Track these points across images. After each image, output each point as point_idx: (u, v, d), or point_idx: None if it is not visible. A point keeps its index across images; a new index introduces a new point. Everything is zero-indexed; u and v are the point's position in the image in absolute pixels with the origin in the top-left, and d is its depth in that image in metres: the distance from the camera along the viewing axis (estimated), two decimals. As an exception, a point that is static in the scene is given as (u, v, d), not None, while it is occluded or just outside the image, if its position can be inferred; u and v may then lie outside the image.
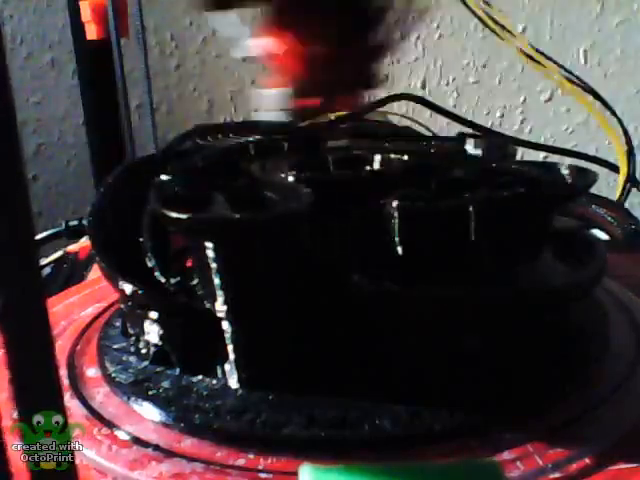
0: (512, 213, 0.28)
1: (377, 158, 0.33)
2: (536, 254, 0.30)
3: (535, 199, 0.29)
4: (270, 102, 0.39)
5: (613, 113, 0.50)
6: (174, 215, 0.26)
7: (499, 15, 0.48)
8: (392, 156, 0.33)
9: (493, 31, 0.50)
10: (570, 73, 0.50)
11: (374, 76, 0.39)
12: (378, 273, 0.27)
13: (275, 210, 0.27)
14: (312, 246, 0.27)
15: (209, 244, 0.26)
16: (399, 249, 0.27)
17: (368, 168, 0.33)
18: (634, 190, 0.51)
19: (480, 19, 0.49)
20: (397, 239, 0.27)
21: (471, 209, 0.27)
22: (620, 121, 0.50)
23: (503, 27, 0.49)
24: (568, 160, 0.45)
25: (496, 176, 0.30)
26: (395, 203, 0.27)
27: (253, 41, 0.39)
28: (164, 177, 0.30)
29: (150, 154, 0.37)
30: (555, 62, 0.50)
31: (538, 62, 0.49)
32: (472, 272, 0.27)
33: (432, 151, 0.35)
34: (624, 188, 0.50)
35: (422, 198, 0.28)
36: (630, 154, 0.49)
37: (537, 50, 0.49)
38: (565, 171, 0.31)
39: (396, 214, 0.27)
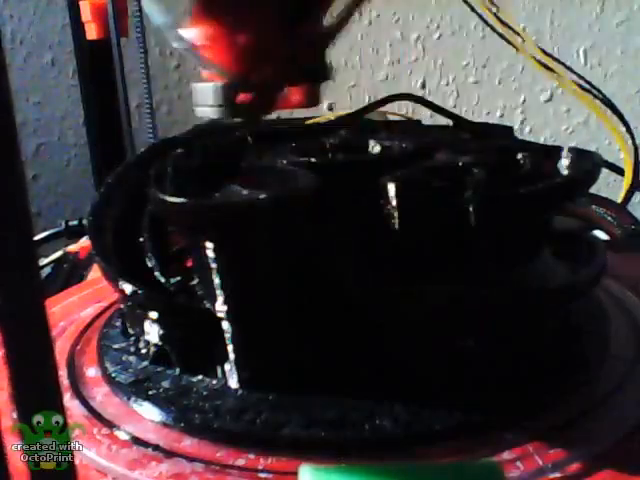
0: (512, 212, 0.28)
1: (376, 144, 0.33)
2: (536, 250, 0.30)
3: (535, 199, 0.29)
4: (205, 97, 0.35)
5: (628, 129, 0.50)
6: (173, 200, 0.25)
7: (509, 19, 0.48)
8: (391, 142, 0.33)
9: (505, 38, 0.49)
10: (587, 82, 0.50)
11: (320, 67, 0.34)
12: (378, 273, 0.26)
13: (277, 192, 0.27)
14: (312, 241, 0.27)
15: (209, 244, 0.26)
16: (396, 225, 0.27)
17: (368, 152, 0.33)
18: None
19: (491, 27, 0.49)
20: (395, 218, 0.27)
21: (469, 189, 0.27)
22: (632, 135, 0.50)
23: (515, 31, 0.48)
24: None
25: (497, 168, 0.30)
26: (392, 185, 0.27)
27: (183, 31, 0.34)
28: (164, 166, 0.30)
29: (148, 148, 0.36)
30: (569, 69, 0.50)
31: (552, 70, 0.49)
32: (472, 272, 0.27)
33: (431, 138, 0.35)
34: (628, 191, 0.50)
35: (420, 180, 0.27)
36: (637, 161, 0.49)
37: (554, 58, 0.49)
38: (566, 160, 0.31)
39: (393, 195, 0.26)
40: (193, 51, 0.33)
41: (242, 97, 0.33)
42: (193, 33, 0.33)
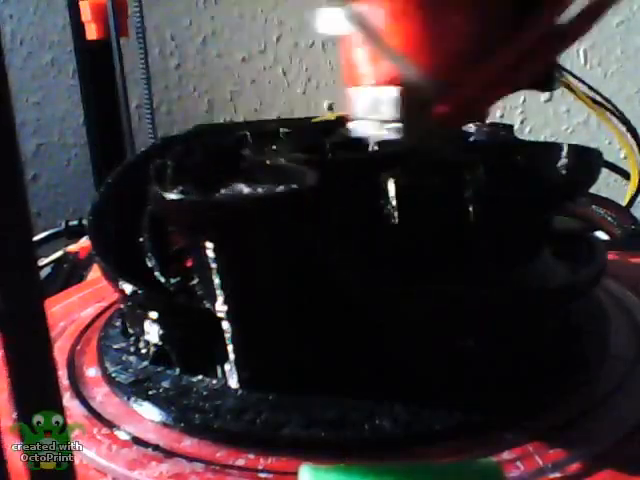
0: (512, 212, 0.28)
1: (376, 143, 0.33)
2: (536, 250, 0.30)
3: (536, 199, 0.29)
4: (370, 107, 0.25)
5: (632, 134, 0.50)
6: (174, 197, 0.25)
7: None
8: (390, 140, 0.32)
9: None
10: (589, 86, 0.50)
11: (551, 73, 0.26)
12: (378, 273, 0.26)
13: (278, 190, 0.26)
14: (312, 241, 0.27)
15: (209, 244, 0.26)
16: (396, 225, 0.27)
17: (368, 151, 0.32)
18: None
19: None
20: (395, 218, 0.27)
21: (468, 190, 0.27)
22: (636, 137, 0.50)
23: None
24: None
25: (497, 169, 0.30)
26: (392, 185, 0.26)
27: (349, 8, 0.23)
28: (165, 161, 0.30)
29: (148, 148, 0.36)
30: (568, 71, 0.49)
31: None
32: (472, 272, 0.27)
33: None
34: (634, 197, 0.50)
35: (419, 180, 0.27)
36: None
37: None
38: (566, 160, 0.31)
39: (393, 195, 0.26)
40: (371, 36, 0.23)
41: (443, 107, 0.24)
42: (375, 11, 0.23)
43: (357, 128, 0.27)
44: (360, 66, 0.25)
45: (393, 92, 0.23)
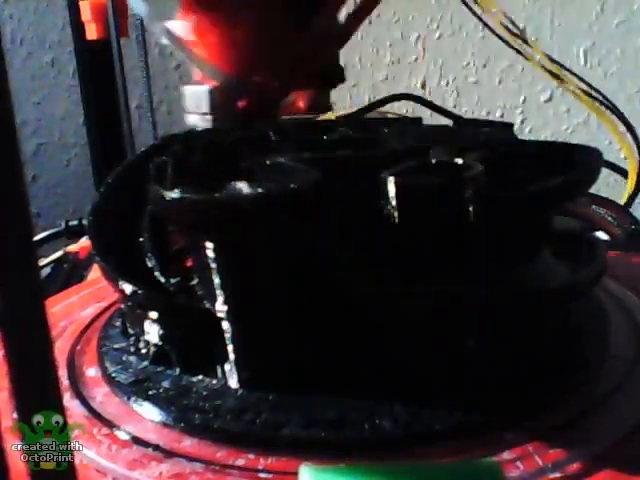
0: (512, 212, 0.28)
1: (376, 142, 0.33)
2: (536, 250, 0.30)
3: (536, 199, 0.29)
4: (196, 102, 0.29)
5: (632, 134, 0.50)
6: (174, 196, 0.25)
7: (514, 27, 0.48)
8: (391, 139, 0.33)
9: (505, 41, 0.49)
10: (589, 85, 0.50)
11: (333, 69, 0.30)
12: (378, 272, 0.26)
13: (279, 189, 0.27)
14: (312, 241, 0.27)
15: (209, 244, 0.26)
16: (396, 225, 0.27)
17: (368, 149, 0.32)
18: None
19: (491, 29, 0.49)
20: (395, 217, 0.27)
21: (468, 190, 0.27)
22: (635, 137, 0.50)
23: (514, 34, 0.48)
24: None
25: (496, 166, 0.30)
26: (392, 185, 0.26)
27: (171, 23, 0.28)
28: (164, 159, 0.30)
29: (148, 147, 0.36)
30: (570, 71, 0.50)
31: (552, 72, 0.49)
32: (472, 272, 0.27)
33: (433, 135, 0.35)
34: (632, 195, 0.50)
35: (419, 179, 0.27)
36: None
37: (555, 61, 0.49)
38: (565, 160, 0.31)
39: (393, 195, 0.26)
40: (182, 47, 0.28)
41: (242, 103, 0.29)
42: (182, 26, 0.28)
43: (187, 120, 0.31)
44: (189, 69, 0.31)
45: (205, 90, 0.29)
